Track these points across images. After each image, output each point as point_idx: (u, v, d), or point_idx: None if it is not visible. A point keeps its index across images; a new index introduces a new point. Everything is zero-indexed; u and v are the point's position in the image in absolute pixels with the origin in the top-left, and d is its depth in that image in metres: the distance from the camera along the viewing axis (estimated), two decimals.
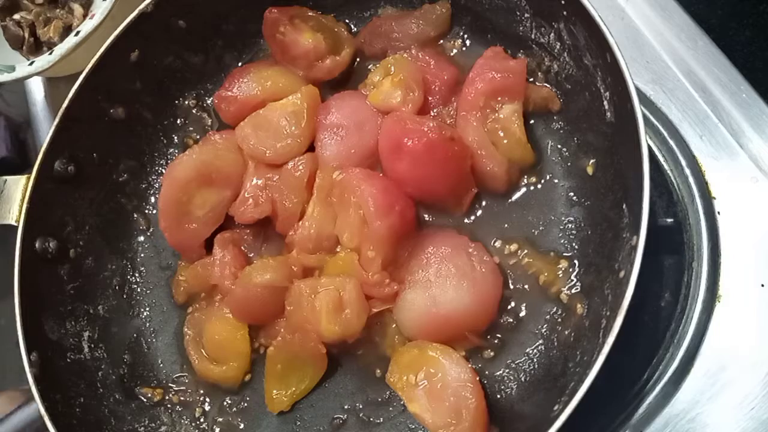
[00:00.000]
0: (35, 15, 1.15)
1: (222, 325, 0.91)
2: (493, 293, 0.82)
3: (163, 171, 1.04)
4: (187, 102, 1.07)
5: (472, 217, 0.89)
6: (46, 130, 1.22)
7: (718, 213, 0.89)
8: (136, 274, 1.02)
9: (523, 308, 0.83)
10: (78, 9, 1.16)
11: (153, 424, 0.92)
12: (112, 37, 0.96)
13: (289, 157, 0.92)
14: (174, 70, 1.05)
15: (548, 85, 0.89)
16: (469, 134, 0.85)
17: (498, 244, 0.87)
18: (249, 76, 0.98)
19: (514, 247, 0.86)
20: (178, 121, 1.07)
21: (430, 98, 0.91)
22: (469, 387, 0.76)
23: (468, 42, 0.97)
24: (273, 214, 0.91)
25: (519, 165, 0.87)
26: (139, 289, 1.01)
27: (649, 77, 0.96)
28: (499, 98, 0.86)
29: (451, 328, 0.81)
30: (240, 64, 1.07)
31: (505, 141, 0.85)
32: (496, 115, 0.86)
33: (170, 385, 0.95)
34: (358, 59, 1.02)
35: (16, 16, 1.17)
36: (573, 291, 0.81)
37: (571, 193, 0.86)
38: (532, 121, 0.90)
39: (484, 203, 0.89)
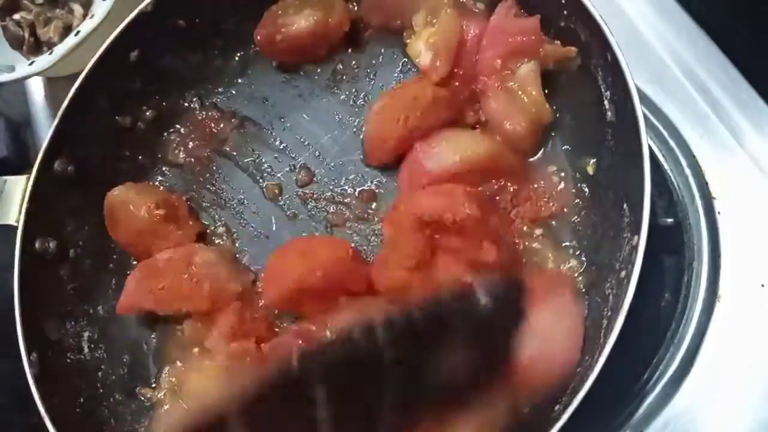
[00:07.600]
0: (35, 15, 1.15)
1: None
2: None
3: (163, 171, 1.04)
4: (187, 102, 1.07)
5: None
6: (46, 130, 1.22)
7: (719, 213, 0.89)
8: None
9: None
10: (78, 9, 1.15)
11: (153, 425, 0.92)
12: (112, 37, 0.95)
13: None
14: (174, 70, 1.04)
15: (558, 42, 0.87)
16: (491, 101, 0.86)
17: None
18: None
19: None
20: (178, 121, 1.07)
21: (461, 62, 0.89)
22: None
23: None
24: None
25: (540, 124, 0.86)
26: None
27: (649, 77, 0.96)
28: (516, 59, 0.85)
29: None
30: (239, 63, 1.07)
31: (525, 99, 0.85)
32: (515, 75, 0.86)
33: None
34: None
35: (16, 16, 1.16)
36: None
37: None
38: None
39: None
